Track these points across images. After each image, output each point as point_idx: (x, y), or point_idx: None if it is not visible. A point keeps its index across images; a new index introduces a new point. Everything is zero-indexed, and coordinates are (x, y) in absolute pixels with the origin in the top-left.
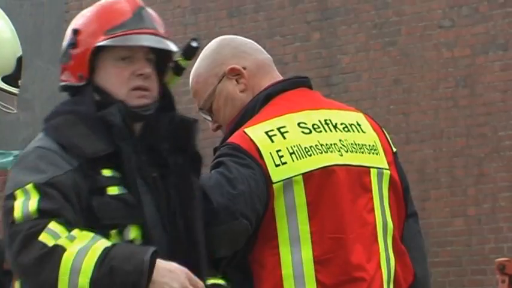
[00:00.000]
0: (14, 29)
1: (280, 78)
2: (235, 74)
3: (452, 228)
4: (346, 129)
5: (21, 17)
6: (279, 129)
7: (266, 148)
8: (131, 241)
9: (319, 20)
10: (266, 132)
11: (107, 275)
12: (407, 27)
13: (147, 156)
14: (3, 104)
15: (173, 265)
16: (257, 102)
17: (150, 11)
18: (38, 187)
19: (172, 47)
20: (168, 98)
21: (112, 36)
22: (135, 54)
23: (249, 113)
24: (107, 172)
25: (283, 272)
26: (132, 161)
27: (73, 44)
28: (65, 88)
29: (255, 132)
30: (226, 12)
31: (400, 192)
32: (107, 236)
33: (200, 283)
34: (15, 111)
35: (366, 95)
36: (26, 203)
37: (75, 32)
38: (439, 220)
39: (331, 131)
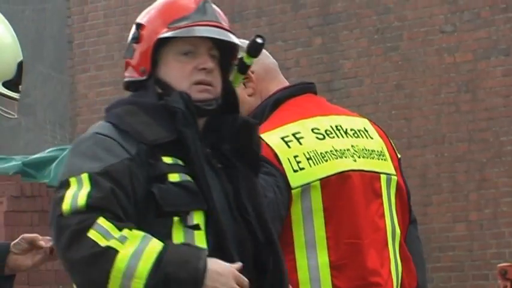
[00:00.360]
0: (14, 34)
1: (287, 83)
2: (244, 77)
3: (454, 234)
4: (355, 135)
5: (24, 23)
6: (294, 135)
7: (284, 154)
8: (195, 226)
9: (321, 25)
10: (282, 138)
11: (161, 282)
12: (409, 32)
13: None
14: (3, 109)
15: (222, 267)
16: (265, 107)
17: (214, 5)
18: (92, 177)
19: (235, 39)
20: (231, 97)
21: (174, 28)
22: (197, 49)
23: (258, 118)
24: (167, 159)
25: (299, 277)
26: (197, 145)
27: (136, 38)
28: (127, 85)
29: (271, 138)
30: (229, 17)
31: (405, 198)
32: (169, 223)
33: (246, 281)
34: (15, 117)
35: (368, 100)
36: (76, 194)
37: (139, 26)
38: (441, 225)
39: (343, 136)
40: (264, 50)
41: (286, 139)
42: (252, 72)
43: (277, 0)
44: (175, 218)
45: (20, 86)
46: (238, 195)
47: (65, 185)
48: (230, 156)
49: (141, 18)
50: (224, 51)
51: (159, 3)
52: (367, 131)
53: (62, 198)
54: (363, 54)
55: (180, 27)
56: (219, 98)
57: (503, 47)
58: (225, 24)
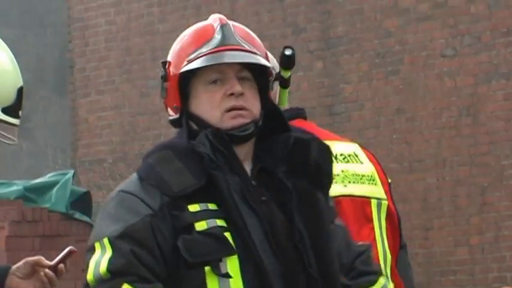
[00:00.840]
0: (14, 60)
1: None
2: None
3: (455, 258)
4: (345, 160)
5: (24, 47)
6: None
7: None
8: (225, 274)
9: (322, 49)
10: None
11: None
12: (410, 56)
13: (259, 180)
14: (3, 133)
15: None
16: None
17: (235, 26)
18: (112, 242)
19: (258, 59)
20: (276, 115)
21: (194, 59)
22: (225, 75)
23: None
24: (193, 207)
25: None
26: (230, 187)
27: (164, 77)
28: (173, 124)
29: None
30: None
31: (396, 223)
32: (202, 273)
33: None
34: (15, 142)
35: (369, 124)
36: (99, 260)
37: (165, 64)
38: (442, 249)
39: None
40: None
41: None
42: None
43: (278, 25)
44: (206, 268)
45: (20, 112)
46: (293, 222)
47: (91, 249)
48: (283, 179)
49: (168, 55)
50: (256, 70)
51: (180, 37)
52: (357, 156)
53: (88, 265)
54: (363, 78)
55: (199, 57)
56: (257, 120)
57: (504, 71)
58: (247, 45)
